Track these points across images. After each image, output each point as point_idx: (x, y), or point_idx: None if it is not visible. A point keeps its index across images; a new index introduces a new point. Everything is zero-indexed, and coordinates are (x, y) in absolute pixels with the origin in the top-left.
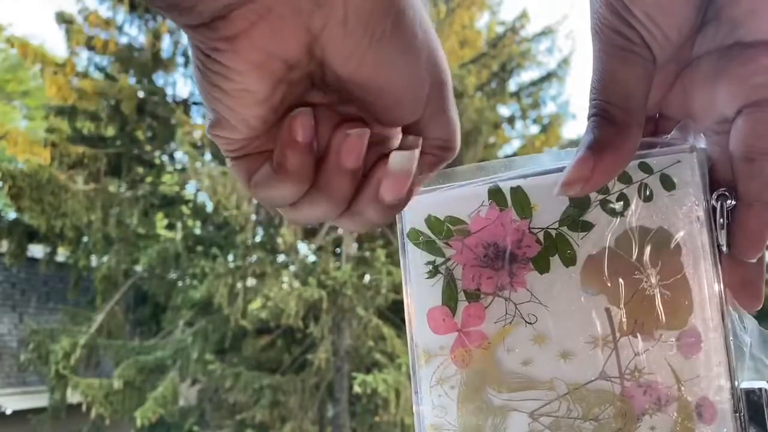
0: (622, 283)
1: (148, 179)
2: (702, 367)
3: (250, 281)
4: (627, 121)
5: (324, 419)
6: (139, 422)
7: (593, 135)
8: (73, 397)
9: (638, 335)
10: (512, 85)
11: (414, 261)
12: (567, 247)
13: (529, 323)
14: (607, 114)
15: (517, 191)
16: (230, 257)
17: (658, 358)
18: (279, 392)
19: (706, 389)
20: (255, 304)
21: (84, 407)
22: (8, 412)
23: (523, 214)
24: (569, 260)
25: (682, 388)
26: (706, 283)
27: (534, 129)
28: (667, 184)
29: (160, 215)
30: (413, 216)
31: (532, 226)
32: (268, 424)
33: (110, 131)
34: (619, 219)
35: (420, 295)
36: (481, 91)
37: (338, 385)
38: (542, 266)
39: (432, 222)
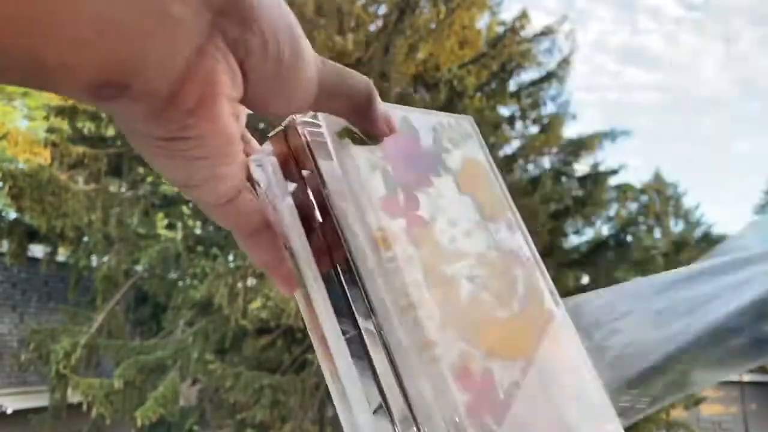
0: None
1: (149, 179)
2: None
3: (251, 281)
4: None
5: (324, 419)
6: (139, 422)
7: None
8: (73, 396)
9: (493, 220)
10: (512, 85)
11: (356, 155)
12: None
13: (443, 211)
14: None
15: (404, 120)
16: (230, 257)
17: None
18: (279, 392)
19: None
20: (255, 304)
21: (84, 407)
22: (9, 411)
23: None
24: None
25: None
26: None
27: (534, 129)
28: None
29: (160, 215)
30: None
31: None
32: (268, 423)
33: (111, 131)
34: None
35: (368, 184)
36: (481, 91)
37: None
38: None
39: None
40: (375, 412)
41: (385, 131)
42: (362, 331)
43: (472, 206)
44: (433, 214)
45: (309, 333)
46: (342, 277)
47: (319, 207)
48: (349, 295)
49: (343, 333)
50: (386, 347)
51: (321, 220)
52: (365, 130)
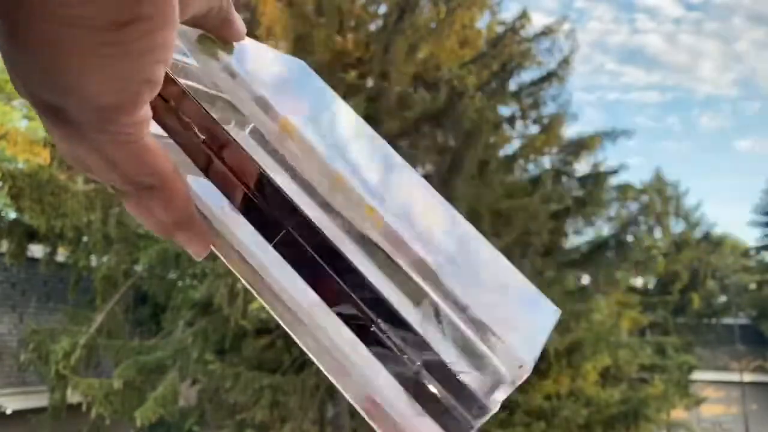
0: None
1: None
2: None
3: None
4: None
5: (324, 419)
6: (139, 422)
7: None
8: (73, 397)
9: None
10: (512, 85)
11: (230, 60)
12: None
13: (311, 108)
14: None
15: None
16: None
17: None
18: (279, 392)
19: None
20: (255, 304)
21: (84, 407)
22: (8, 411)
23: None
24: None
25: None
26: None
27: (534, 129)
28: None
29: None
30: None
31: None
32: (268, 424)
33: None
34: None
35: (254, 83)
36: (481, 91)
37: None
38: None
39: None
40: (334, 307)
41: (243, 32)
42: (291, 229)
43: (326, 101)
44: (312, 111)
45: (247, 286)
46: (257, 199)
47: (200, 128)
48: (268, 204)
49: (270, 241)
50: (320, 232)
51: (202, 136)
52: (226, 32)
